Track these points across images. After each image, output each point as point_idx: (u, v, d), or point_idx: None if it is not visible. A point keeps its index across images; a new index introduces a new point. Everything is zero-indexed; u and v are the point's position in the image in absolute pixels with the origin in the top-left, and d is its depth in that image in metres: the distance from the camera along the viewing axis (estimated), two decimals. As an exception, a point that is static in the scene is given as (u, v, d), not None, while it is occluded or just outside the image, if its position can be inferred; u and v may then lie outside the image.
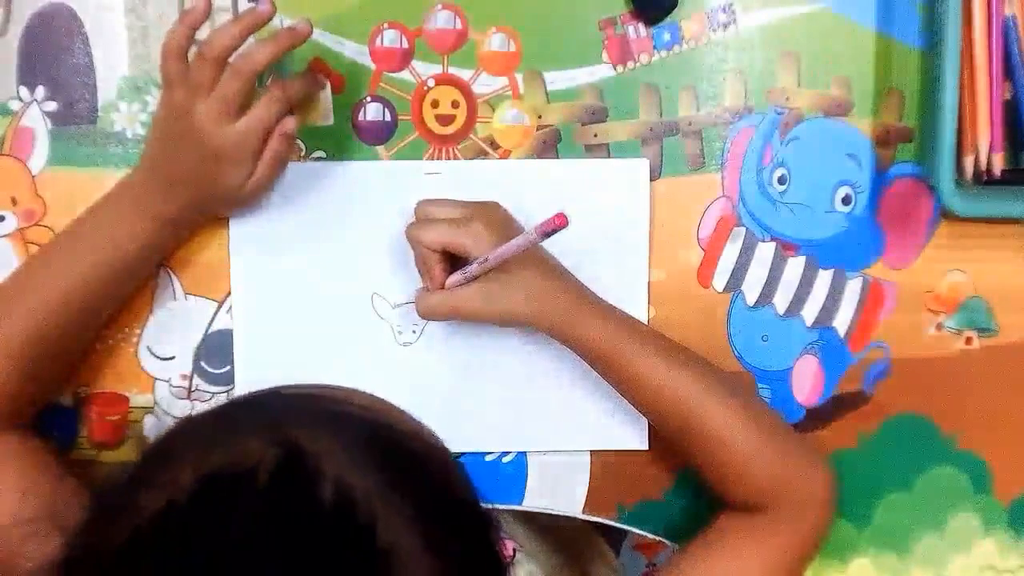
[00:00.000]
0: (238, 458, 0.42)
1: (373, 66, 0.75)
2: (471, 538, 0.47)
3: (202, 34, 0.67)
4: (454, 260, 0.70)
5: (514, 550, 0.77)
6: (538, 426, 0.77)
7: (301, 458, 0.42)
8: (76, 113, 0.74)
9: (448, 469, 0.49)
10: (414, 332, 0.76)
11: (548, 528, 0.84)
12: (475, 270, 0.68)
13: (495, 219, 0.70)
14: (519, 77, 0.76)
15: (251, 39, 0.67)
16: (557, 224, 0.61)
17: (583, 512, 0.78)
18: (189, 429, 0.48)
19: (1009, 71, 0.74)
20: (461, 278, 0.69)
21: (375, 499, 0.42)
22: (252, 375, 0.75)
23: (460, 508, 0.48)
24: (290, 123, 0.68)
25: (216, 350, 0.76)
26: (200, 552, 0.40)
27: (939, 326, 0.79)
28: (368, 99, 0.75)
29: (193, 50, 0.67)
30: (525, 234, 0.65)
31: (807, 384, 0.79)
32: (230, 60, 0.66)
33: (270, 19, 0.67)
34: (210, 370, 0.76)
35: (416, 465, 0.47)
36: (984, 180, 0.75)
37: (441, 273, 0.70)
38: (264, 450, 0.42)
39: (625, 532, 0.87)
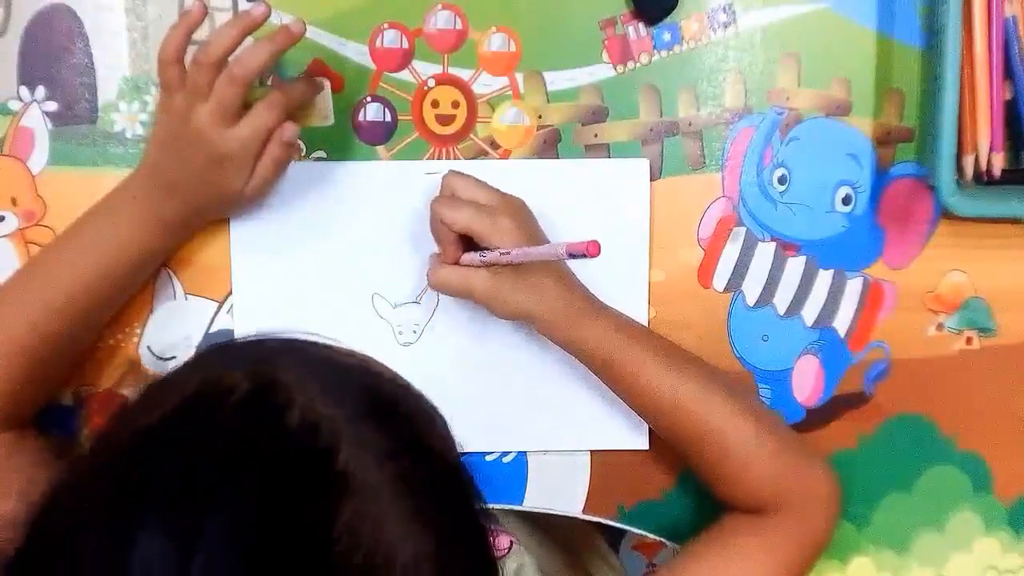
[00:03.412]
0: (219, 383, 0.47)
1: (373, 66, 0.75)
2: (442, 482, 0.49)
3: (200, 34, 0.67)
4: (468, 238, 0.70)
5: (511, 542, 0.77)
6: (538, 426, 0.77)
7: (274, 387, 0.46)
8: (76, 113, 0.74)
9: (426, 418, 0.51)
10: (414, 332, 0.76)
11: (547, 527, 0.84)
12: (494, 259, 0.68)
13: (521, 217, 0.70)
14: (519, 77, 0.76)
15: (249, 40, 0.67)
16: (588, 251, 0.60)
17: (583, 512, 0.78)
18: (185, 362, 0.52)
19: (1009, 71, 0.74)
20: (478, 260, 0.69)
21: (341, 428, 0.45)
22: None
23: (431, 453, 0.49)
24: (289, 130, 0.68)
25: (216, 350, 0.76)
26: (177, 460, 0.44)
27: (939, 326, 0.79)
28: (368, 99, 0.75)
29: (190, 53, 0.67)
30: (553, 246, 0.65)
31: (807, 384, 0.79)
32: (227, 63, 0.66)
33: (265, 20, 0.66)
34: (210, 370, 0.76)
35: (389, 406, 0.50)
36: (984, 180, 0.75)
37: (455, 251, 0.70)
38: (244, 379, 0.47)
39: (624, 532, 0.87)
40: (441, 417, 0.52)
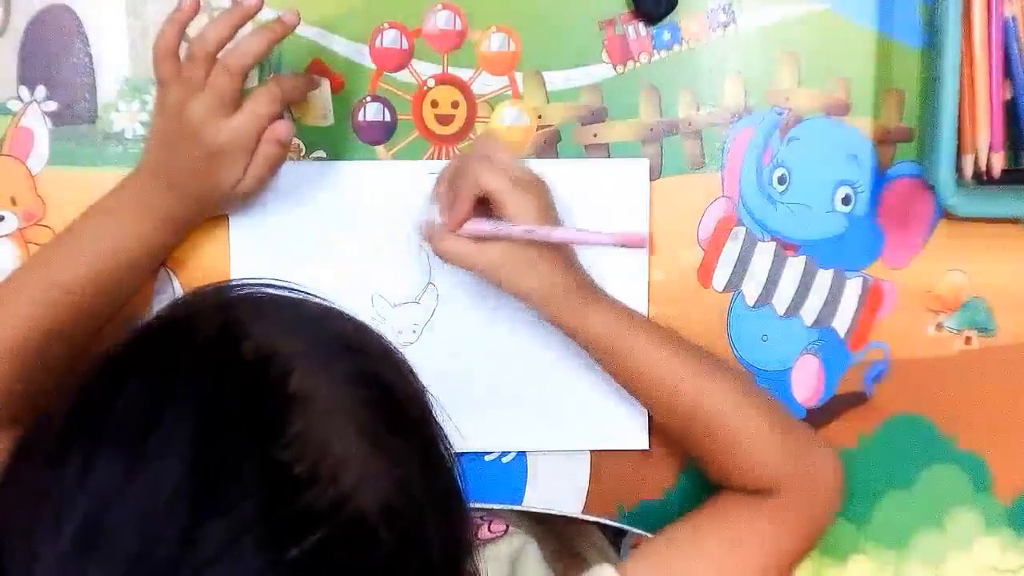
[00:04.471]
0: (182, 318, 0.52)
1: (373, 66, 0.75)
2: (401, 416, 0.51)
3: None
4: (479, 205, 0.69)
5: (507, 526, 0.77)
6: (538, 426, 0.77)
7: (234, 323, 0.49)
8: (76, 113, 0.74)
9: (389, 359, 0.53)
10: (414, 332, 0.76)
11: (541, 517, 0.84)
12: (516, 233, 0.67)
13: (545, 200, 0.70)
14: (519, 77, 0.76)
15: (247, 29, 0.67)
16: (638, 243, 0.60)
17: (583, 512, 0.78)
18: (175, 300, 0.55)
19: (1009, 71, 0.74)
20: (490, 229, 0.67)
21: (295, 359, 0.48)
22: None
23: (391, 388, 0.51)
24: (282, 128, 0.68)
25: (216, 350, 0.75)
26: (142, 375, 0.47)
27: (939, 326, 0.79)
28: (368, 99, 0.75)
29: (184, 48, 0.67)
30: (596, 233, 0.66)
31: (807, 384, 0.79)
32: (220, 55, 0.66)
33: (257, 11, 0.67)
34: (210, 370, 0.76)
35: (348, 345, 0.52)
36: (984, 180, 0.75)
37: (467, 214, 0.68)
38: (211, 314, 0.51)
39: (624, 532, 0.87)
40: (408, 366, 0.53)
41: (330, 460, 0.45)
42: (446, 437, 0.53)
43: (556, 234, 0.66)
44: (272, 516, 0.43)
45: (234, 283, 0.54)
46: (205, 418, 0.45)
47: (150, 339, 0.50)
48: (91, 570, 0.42)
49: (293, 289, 0.53)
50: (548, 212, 0.69)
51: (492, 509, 0.79)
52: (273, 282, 0.53)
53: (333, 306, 0.54)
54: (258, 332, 0.49)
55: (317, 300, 0.54)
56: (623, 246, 0.62)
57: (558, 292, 0.70)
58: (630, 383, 0.73)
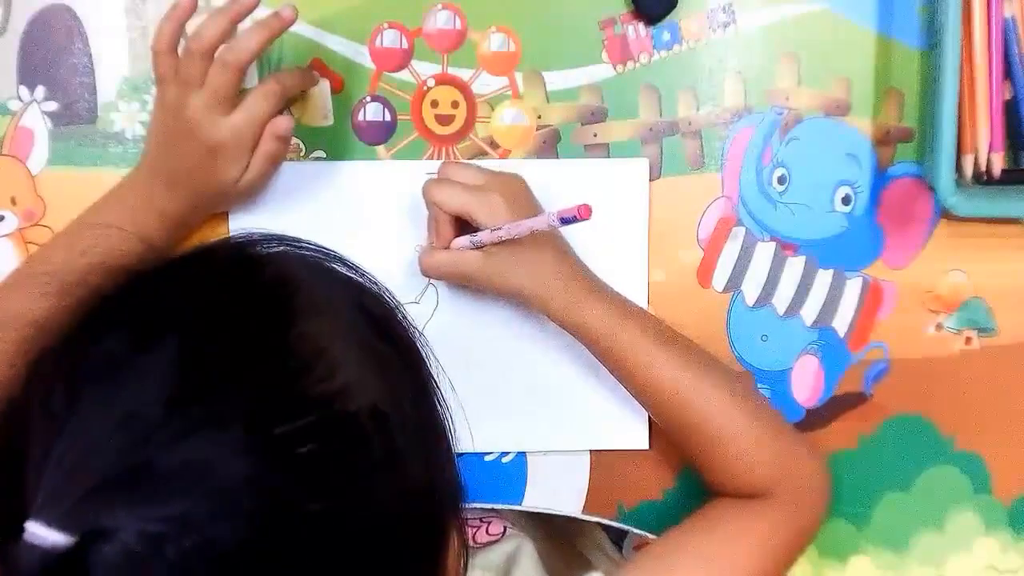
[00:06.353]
0: (211, 247, 0.55)
1: (373, 66, 0.75)
2: (395, 344, 0.53)
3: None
4: (466, 223, 0.70)
5: (505, 527, 0.77)
6: (538, 426, 0.77)
7: (254, 252, 0.52)
8: (76, 113, 0.74)
9: (390, 303, 0.55)
10: (414, 332, 0.76)
11: (547, 523, 0.84)
12: (485, 238, 0.68)
13: (514, 193, 0.70)
14: (519, 77, 0.76)
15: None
16: (579, 215, 0.60)
17: (583, 512, 0.78)
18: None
19: (1009, 71, 0.74)
20: (468, 243, 0.69)
21: (307, 282, 0.50)
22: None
23: (388, 321, 0.54)
24: (282, 124, 0.68)
25: (216, 350, 0.75)
26: (172, 289, 0.49)
27: (938, 326, 0.79)
28: (368, 99, 0.75)
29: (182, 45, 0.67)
30: (543, 216, 0.65)
31: (807, 384, 0.79)
32: (217, 52, 0.66)
33: (255, 7, 0.67)
34: (210, 370, 0.76)
35: (358, 284, 0.54)
36: (984, 180, 0.75)
37: (449, 232, 0.70)
38: (232, 248, 0.53)
39: (626, 532, 0.87)
40: (404, 313, 0.56)
41: (328, 358, 0.47)
42: (442, 396, 0.54)
43: (511, 228, 0.66)
44: (264, 396, 0.44)
45: (250, 234, 0.55)
46: (204, 310, 0.47)
47: (172, 263, 0.52)
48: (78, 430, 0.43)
49: (304, 241, 0.55)
50: (517, 205, 0.70)
51: (493, 509, 0.79)
52: (281, 235, 0.55)
53: (340, 254, 0.56)
54: (277, 259, 0.51)
55: (326, 249, 0.56)
56: (565, 223, 0.61)
57: (547, 287, 0.70)
58: (623, 378, 0.73)
